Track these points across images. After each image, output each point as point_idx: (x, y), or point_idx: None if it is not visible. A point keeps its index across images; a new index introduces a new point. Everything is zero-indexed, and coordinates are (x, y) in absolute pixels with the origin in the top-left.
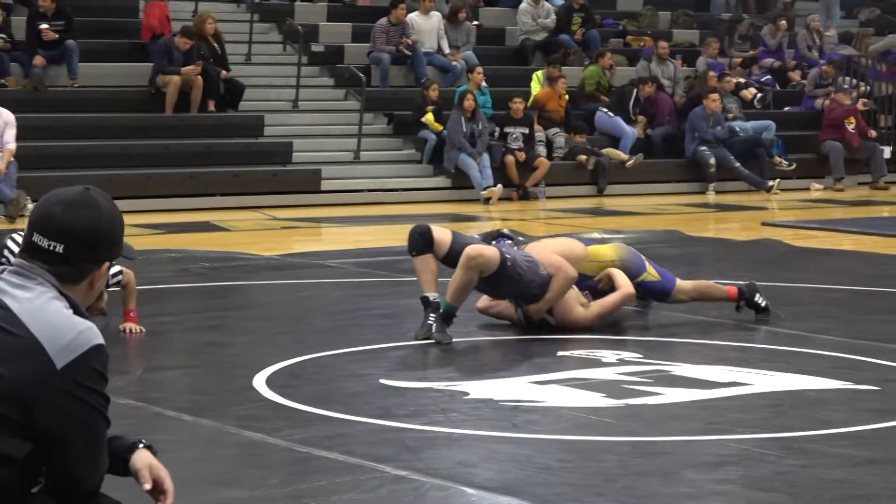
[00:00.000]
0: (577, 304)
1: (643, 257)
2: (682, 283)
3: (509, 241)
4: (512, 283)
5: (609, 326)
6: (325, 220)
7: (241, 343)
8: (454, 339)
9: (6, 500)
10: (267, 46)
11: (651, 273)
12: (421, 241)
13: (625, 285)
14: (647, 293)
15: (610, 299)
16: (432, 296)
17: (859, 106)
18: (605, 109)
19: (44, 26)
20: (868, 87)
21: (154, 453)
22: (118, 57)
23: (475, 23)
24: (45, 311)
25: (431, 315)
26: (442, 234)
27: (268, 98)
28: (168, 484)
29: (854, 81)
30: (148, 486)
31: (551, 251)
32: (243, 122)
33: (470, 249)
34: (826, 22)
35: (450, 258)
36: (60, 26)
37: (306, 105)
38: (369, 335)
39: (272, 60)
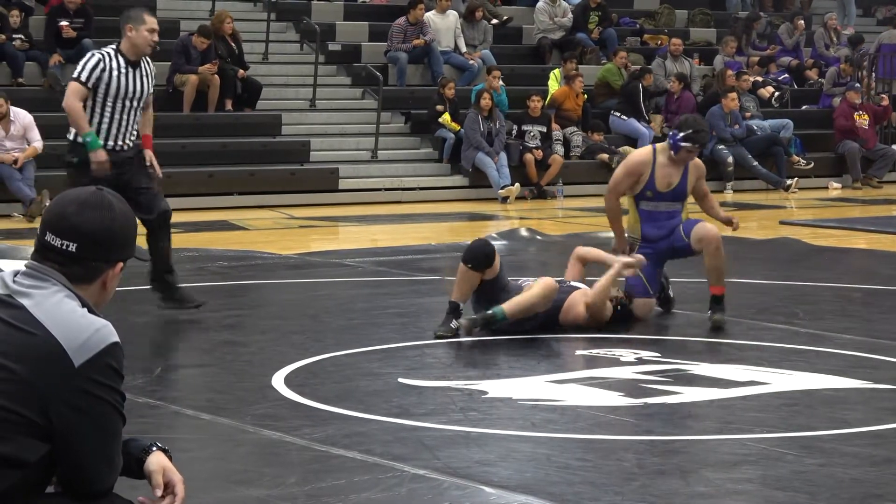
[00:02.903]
0: (580, 303)
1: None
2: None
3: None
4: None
5: (627, 326)
6: (343, 218)
7: (258, 342)
8: (472, 339)
9: (17, 502)
10: (284, 45)
11: None
12: (483, 262)
13: (608, 258)
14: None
15: (600, 282)
16: (462, 305)
17: (884, 101)
18: (618, 113)
19: (63, 23)
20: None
21: (169, 457)
22: None
23: (493, 22)
24: (61, 310)
25: (455, 320)
26: (498, 260)
27: (285, 97)
28: (179, 488)
29: (869, 80)
30: (159, 492)
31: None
32: (261, 121)
33: (552, 282)
34: (843, 20)
35: (488, 283)
36: (80, 24)
37: (323, 104)
38: (387, 334)
39: (289, 59)
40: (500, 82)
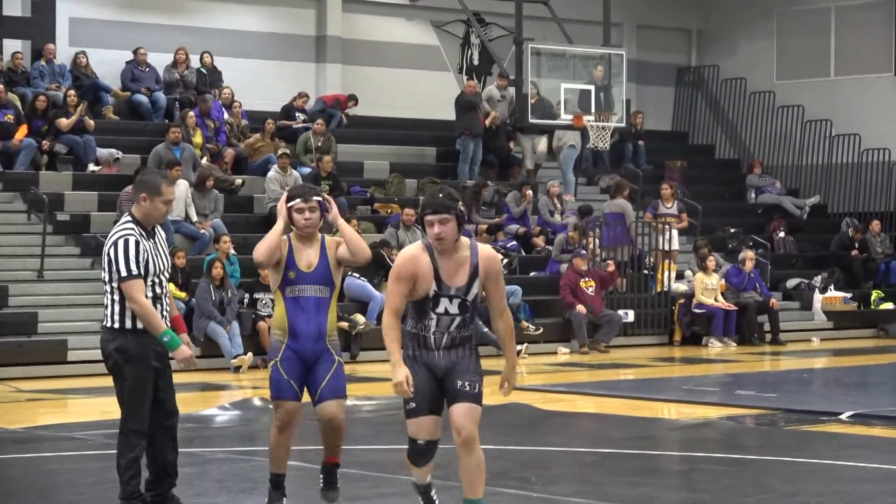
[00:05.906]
0: None
1: None
2: None
3: None
4: None
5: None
6: (72, 391)
7: None
8: None
9: None
10: (11, 216)
11: None
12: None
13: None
14: None
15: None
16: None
17: (610, 267)
18: (357, 274)
19: None
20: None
21: None
22: None
23: (239, 180)
24: None
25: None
26: None
27: (12, 268)
28: None
29: (595, 245)
30: None
31: None
32: None
33: None
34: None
35: None
36: None
37: (52, 275)
38: None
39: (16, 230)
40: (232, 250)
